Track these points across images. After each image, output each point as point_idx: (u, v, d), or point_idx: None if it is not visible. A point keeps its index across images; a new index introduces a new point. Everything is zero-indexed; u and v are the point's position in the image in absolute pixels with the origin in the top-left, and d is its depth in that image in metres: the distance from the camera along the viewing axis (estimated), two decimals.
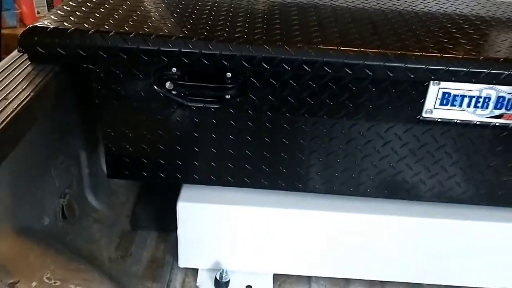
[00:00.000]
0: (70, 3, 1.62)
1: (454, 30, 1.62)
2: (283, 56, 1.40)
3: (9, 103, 1.24)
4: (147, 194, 2.10)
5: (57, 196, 1.67)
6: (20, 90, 1.30)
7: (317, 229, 1.69)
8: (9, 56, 1.49)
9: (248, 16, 1.62)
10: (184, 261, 1.76)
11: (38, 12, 4.30)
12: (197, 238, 1.71)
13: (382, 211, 1.67)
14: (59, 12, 1.53)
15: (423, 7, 1.86)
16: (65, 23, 1.44)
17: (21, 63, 1.44)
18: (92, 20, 1.48)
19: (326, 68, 1.40)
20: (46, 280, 1.30)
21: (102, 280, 1.41)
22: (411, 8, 1.82)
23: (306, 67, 1.41)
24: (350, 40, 1.48)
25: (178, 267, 1.78)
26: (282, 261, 1.75)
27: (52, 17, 1.49)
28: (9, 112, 1.20)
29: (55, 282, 1.30)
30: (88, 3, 1.62)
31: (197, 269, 1.78)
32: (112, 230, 1.90)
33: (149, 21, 1.52)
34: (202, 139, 1.56)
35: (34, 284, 1.28)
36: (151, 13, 1.61)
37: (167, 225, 1.93)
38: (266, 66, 1.41)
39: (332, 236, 1.70)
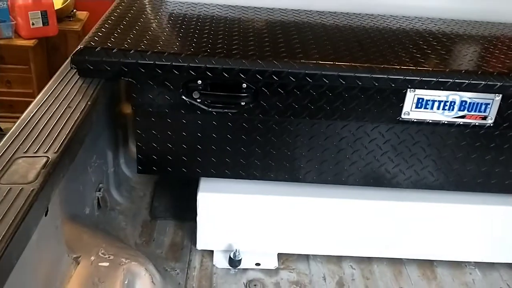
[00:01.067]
0: (106, 25, 1.91)
1: (425, 46, 1.97)
2: (289, 70, 1.72)
3: (74, 110, 1.53)
4: (162, 189, 2.39)
5: (93, 190, 1.96)
6: (79, 100, 1.59)
7: (314, 213, 2.01)
8: (58, 72, 1.77)
9: (257, 35, 1.93)
10: (202, 244, 2.05)
11: (33, 24, 4.50)
12: (213, 223, 2.01)
13: (368, 196, 2.00)
14: (99, 34, 1.82)
15: (398, 25, 2.20)
16: (108, 43, 1.74)
17: (71, 77, 1.73)
18: (129, 41, 1.78)
19: (324, 79, 1.73)
20: (101, 255, 1.58)
21: (143, 256, 1.70)
22: (388, 26, 2.17)
23: (307, 79, 1.73)
24: (342, 56, 1.81)
25: (196, 249, 2.08)
26: (285, 242, 2.07)
27: (95, 38, 1.78)
28: (76, 118, 1.49)
29: (109, 257, 1.58)
30: (121, 26, 1.91)
31: (212, 250, 2.07)
32: (135, 220, 2.19)
33: (176, 41, 1.83)
34: (219, 139, 1.86)
35: (92, 258, 1.56)
36: (176, 34, 1.91)
37: (182, 215, 2.24)
38: (276, 78, 1.73)
39: (327, 219, 2.02)
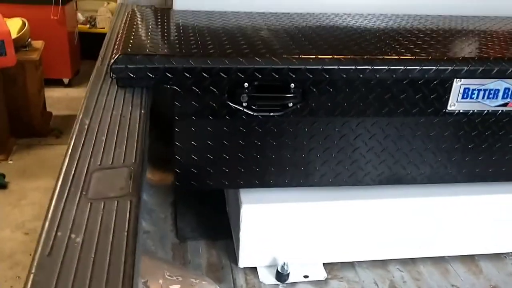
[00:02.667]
0: (130, 35, 1.78)
1: (463, 38, 1.98)
2: (339, 66, 1.66)
3: (130, 120, 1.39)
4: (183, 210, 2.25)
5: None
6: (129, 109, 1.45)
7: (358, 217, 1.94)
8: (91, 83, 1.63)
9: (292, 36, 1.87)
10: (244, 261, 1.93)
11: None
12: (258, 237, 1.90)
13: (408, 194, 1.95)
14: (132, 41, 1.70)
15: (428, 22, 2.21)
16: (147, 50, 1.61)
17: (108, 87, 1.59)
18: (163, 48, 1.66)
19: (375, 74, 1.68)
20: (168, 277, 1.44)
21: (205, 276, 1.56)
22: (421, 23, 2.18)
23: (358, 74, 1.67)
24: (390, 50, 1.78)
25: (237, 267, 1.95)
26: (329, 250, 1.98)
27: (131, 45, 1.65)
28: (137, 127, 1.35)
29: (177, 278, 1.44)
30: (144, 35, 1.79)
31: (255, 267, 1.95)
32: (163, 243, 2.04)
33: (209, 46, 1.73)
34: (263, 146, 1.77)
35: (161, 281, 1.42)
36: (206, 40, 1.81)
37: (212, 233, 2.11)
38: (326, 75, 1.66)
39: (370, 222, 1.95)
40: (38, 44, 4.92)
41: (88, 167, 1.17)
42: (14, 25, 4.68)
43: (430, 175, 1.90)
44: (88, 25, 6.54)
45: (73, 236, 0.95)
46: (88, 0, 6.71)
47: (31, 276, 0.85)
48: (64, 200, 1.04)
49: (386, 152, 1.84)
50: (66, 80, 5.99)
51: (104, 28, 6.48)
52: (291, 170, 1.83)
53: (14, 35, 4.52)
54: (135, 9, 2.21)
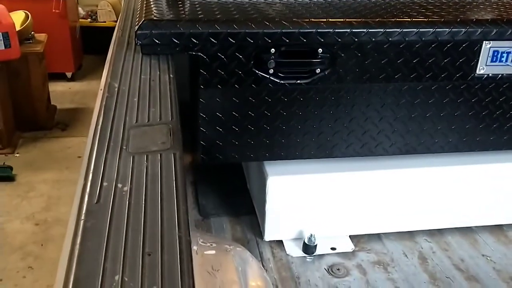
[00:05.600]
0: (158, 1, 1.74)
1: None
2: (369, 29, 1.62)
3: (160, 83, 1.35)
4: (203, 187, 2.21)
5: None
6: (158, 73, 1.41)
7: (384, 187, 1.90)
8: (114, 52, 1.59)
9: (312, 3, 1.83)
10: (270, 234, 1.89)
11: None
12: (283, 210, 1.86)
13: (434, 163, 1.92)
14: (155, 7, 1.65)
15: None
16: (171, 16, 1.57)
17: (131, 54, 1.54)
18: (186, 13, 1.62)
19: (403, 37, 1.64)
20: (202, 243, 1.40)
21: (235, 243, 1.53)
22: None
23: (387, 37, 1.63)
24: (419, 13, 1.74)
25: (263, 241, 1.91)
26: (356, 222, 1.94)
27: (154, 12, 1.61)
28: (167, 89, 1.32)
29: (211, 244, 1.40)
30: (163, 3, 1.75)
31: (281, 240, 1.92)
32: None
33: (232, 11, 1.69)
34: (289, 116, 1.73)
35: (195, 247, 1.38)
36: (227, 6, 1.77)
37: (234, 209, 2.07)
38: (355, 39, 1.62)
39: (396, 192, 1.92)
40: (41, 37, 4.88)
41: (124, 125, 1.13)
42: (18, 18, 4.64)
43: (458, 143, 1.87)
44: (89, 19, 6.49)
45: (119, 185, 0.91)
46: None
47: (81, 222, 0.81)
48: (104, 153, 1.01)
49: (413, 120, 1.81)
50: (69, 74, 5.94)
51: (105, 22, 6.43)
52: (316, 140, 1.79)
53: (17, 27, 4.48)
54: None
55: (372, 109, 1.77)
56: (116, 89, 1.31)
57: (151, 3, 1.73)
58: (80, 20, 6.37)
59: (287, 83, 1.67)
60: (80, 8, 6.48)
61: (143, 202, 0.87)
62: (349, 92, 1.73)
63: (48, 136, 4.83)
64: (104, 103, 1.23)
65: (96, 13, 6.48)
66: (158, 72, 1.42)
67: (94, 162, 0.98)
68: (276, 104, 1.71)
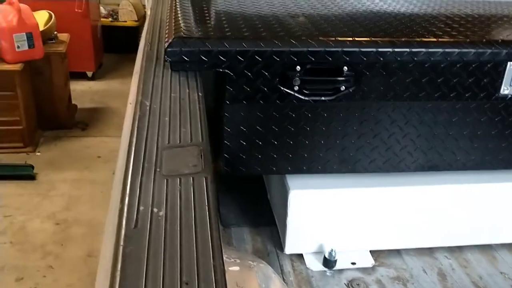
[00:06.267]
0: (186, 17, 1.77)
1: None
2: (394, 49, 1.64)
3: (189, 102, 1.38)
4: (225, 197, 2.24)
5: None
6: (187, 91, 1.44)
7: (404, 203, 1.92)
8: (139, 69, 1.62)
9: (339, 18, 1.85)
10: (290, 247, 1.92)
11: (18, 47, 4.26)
12: (304, 224, 1.88)
13: (455, 181, 1.92)
14: (183, 24, 1.68)
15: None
16: (199, 33, 1.60)
17: (160, 70, 1.58)
18: (214, 30, 1.65)
19: (429, 57, 1.65)
20: (226, 259, 1.43)
21: (259, 259, 1.55)
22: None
23: (413, 57, 1.65)
24: (444, 32, 1.75)
25: (283, 254, 1.94)
26: (376, 237, 1.96)
27: (183, 29, 1.64)
28: (197, 107, 1.34)
29: (235, 260, 1.43)
30: (191, 18, 1.78)
31: (301, 254, 1.94)
32: None
33: (258, 28, 1.71)
34: (312, 131, 1.75)
35: None
36: (252, 22, 1.79)
37: (255, 220, 2.10)
38: (380, 58, 1.64)
39: (417, 209, 1.93)
40: (64, 37, 4.94)
41: (157, 145, 1.16)
42: (41, 18, 4.71)
43: (480, 161, 1.88)
44: (110, 19, 6.56)
45: (155, 210, 0.94)
46: None
47: (121, 248, 0.84)
48: (140, 175, 1.04)
49: (436, 138, 1.82)
50: (89, 74, 6.01)
51: (126, 21, 6.49)
52: (339, 156, 1.81)
53: (41, 27, 4.54)
54: None
55: (396, 126, 1.79)
56: (148, 107, 1.34)
57: (180, 18, 1.76)
58: (101, 19, 6.44)
59: (311, 99, 1.69)
60: (101, 7, 6.54)
61: (178, 228, 0.90)
62: (373, 109, 1.74)
63: (68, 135, 4.89)
64: (136, 122, 1.26)
65: (118, 13, 6.54)
66: (187, 90, 1.45)
67: (129, 185, 1.01)
68: (299, 119, 1.73)
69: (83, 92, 5.76)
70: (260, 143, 1.76)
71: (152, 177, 1.04)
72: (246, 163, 1.79)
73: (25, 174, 4.15)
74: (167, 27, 1.74)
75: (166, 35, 1.65)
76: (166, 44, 1.56)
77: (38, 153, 4.56)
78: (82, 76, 5.98)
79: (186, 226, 0.91)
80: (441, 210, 1.95)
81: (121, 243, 0.86)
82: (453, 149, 1.85)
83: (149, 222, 0.91)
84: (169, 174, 1.06)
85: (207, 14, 1.87)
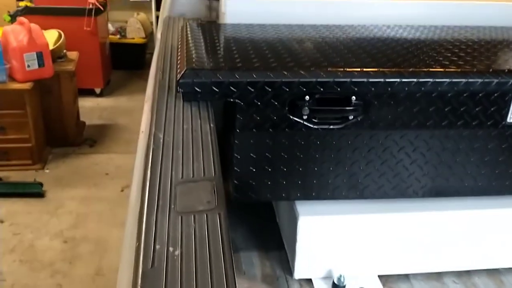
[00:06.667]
0: (197, 47, 1.81)
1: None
2: (402, 79, 1.66)
3: (201, 134, 1.41)
4: (233, 220, 2.26)
5: None
6: (199, 123, 1.47)
7: (412, 229, 1.93)
8: (157, 97, 1.65)
9: (348, 48, 1.88)
10: (300, 272, 1.94)
11: (29, 66, 4.32)
12: (313, 249, 1.90)
13: (462, 207, 1.94)
14: (195, 55, 1.72)
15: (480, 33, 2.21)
16: (211, 64, 1.64)
17: (172, 101, 1.61)
18: (225, 61, 1.69)
19: (437, 87, 1.68)
20: None
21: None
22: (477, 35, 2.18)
23: (420, 87, 1.68)
24: (450, 62, 1.78)
25: (292, 279, 1.95)
26: (384, 262, 1.97)
27: (195, 60, 1.67)
28: (210, 140, 1.38)
29: None
30: (201, 49, 1.82)
31: (310, 279, 1.96)
32: None
33: (268, 59, 1.75)
34: (321, 158, 1.78)
35: None
36: (262, 52, 1.83)
37: (264, 244, 2.12)
38: (388, 88, 1.67)
39: (425, 234, 1.95)
40: (73, 55, 5.00)
41: (171, 180, 1.19)
42: (51, 37, 4.77)
43: (487, 186, 1.90)
44: (118, 36, 6.63)
45: (171, 249, 0.97)
46: (118, 10, 6.80)
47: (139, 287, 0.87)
48: (155, 212, 1.07)
49: (443, 164, 1.84)
50: (98, 90, 6.07)
51: (133, 38, 6.56)
52: (348, 182, 1.83)
53: (51, 46, 4.61)
54: (188, 23, 2.24)
55: (403, 153, 1.81)
56: (161, 140, 1.37)
57: (191, 48, 1.80)
58: (109, 36, 6.51)
59: (320, 128, 1.72)
60: (109, 24, 6.62)
61: (194, 268, 0.92)
62: (381, 136, 1.77)
63: (77, 152, 4.94)
64: (150, 156, 1.29)
65: (125, 30, 6.61)
66: (199, 121, 1.48)
67: (145, 222, 1.04)
68: (308, 147, 1.76)
69: (91, 109, 5.82)
70: (270, 170, 1.78)
71: (167, 214, 1.07)
72: (255, 189, 1.81)
73: (34, 192, 4.19)
74: (179, 57, 1.78)
75: (178, 66, 1.68)
76: (179, 76, 1.59)
77: (47, 170, 4.60)
78: (90, 92, 6.04)
79: (201, 265, 0.93)
80: (449, 235, 1.96)
81: (139, 282, 0.88)
82: (460, 175, 1.87)
83: (165, 261, 0.93)
84: (183, 211, 1.09)
85: (217, 43, 1.91)
